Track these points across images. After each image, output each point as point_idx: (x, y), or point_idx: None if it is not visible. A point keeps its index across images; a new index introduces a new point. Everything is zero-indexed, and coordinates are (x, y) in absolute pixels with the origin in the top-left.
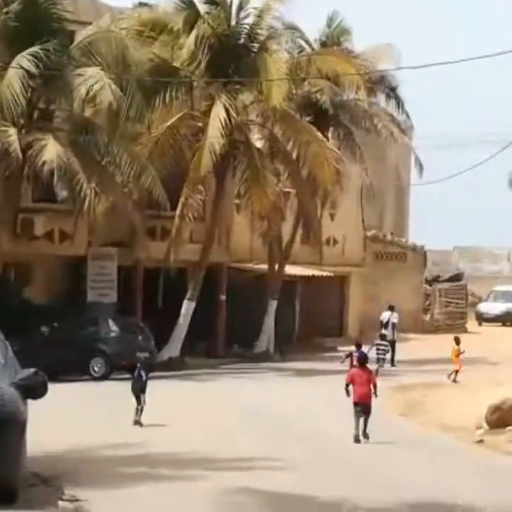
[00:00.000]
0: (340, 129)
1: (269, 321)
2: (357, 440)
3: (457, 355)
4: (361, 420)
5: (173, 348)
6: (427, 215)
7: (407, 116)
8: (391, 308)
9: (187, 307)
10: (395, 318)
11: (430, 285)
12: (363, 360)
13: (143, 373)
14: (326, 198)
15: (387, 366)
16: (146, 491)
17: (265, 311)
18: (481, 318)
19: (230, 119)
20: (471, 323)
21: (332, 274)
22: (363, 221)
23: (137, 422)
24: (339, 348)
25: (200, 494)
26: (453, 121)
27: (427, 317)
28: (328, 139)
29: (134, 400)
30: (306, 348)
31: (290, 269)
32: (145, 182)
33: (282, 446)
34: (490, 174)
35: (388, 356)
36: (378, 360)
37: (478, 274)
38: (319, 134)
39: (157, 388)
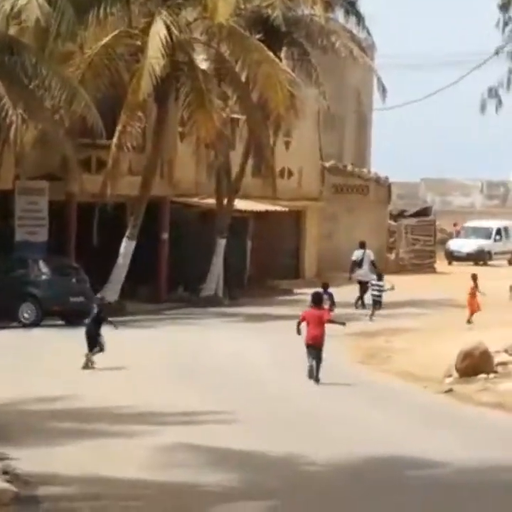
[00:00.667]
0: (294, 48)
1: (218, 262)
2: (311, 375)
3: (473, 295)
4: (314, 364)
5: (111, 292)
6: (391, 145)
7: (368, 33)
8: (362, 246)
9: (126, 246)
10: (371, 255)
11: (395, 221)
12: (318, 299)
13: (100, 315)
14: (279, 125)
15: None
16: (80, 449)
17: (213, 250)
18: (452, 257)
19: (171, 38)
20: (440, 263)
21: (287, 209)
22: (320, 150)
23: (87, 365)
24: (295, 290)
25: (137, 451)
26: (421, 40)
27: (392, 256)
28: (280, 60)
29: (86, 346)
30: (259, 291)
31: (240, 204)
32: (77, 108)
33: (228, 398)
34: (460, 99)
35: (382, 298)
36: (375, 303)
37: (448, 208)
38: (271, 54)
39: None
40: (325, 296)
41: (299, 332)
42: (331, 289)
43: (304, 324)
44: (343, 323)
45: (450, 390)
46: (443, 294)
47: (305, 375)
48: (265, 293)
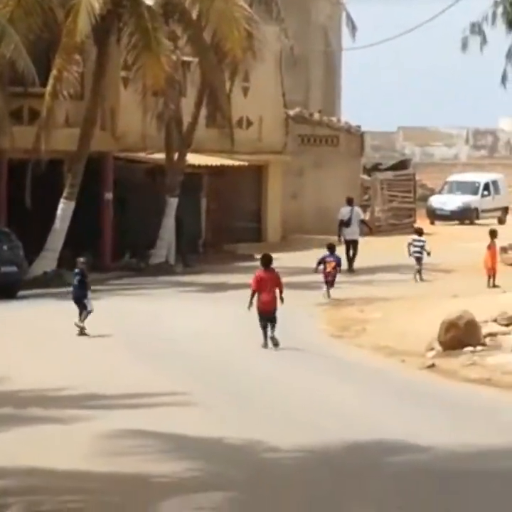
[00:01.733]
0: None
1: (169, 224)
2: (266, 345)
3: (493, 252)
4: (269, 329)
5: (48, 260)
6: (363, 89)
7: None
8: (350, 202)
9: (64, 208)
10: (360, 213)
11: (369, 175)
12: (267, 261)
13: (84, 279)
14: (236, 69)
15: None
16: (13, 436)
17: (163, 211)
18: (434, 216)
19: None
20: (422, 222)
21: (246, 164)
22: (283, 97)
23: (82, 332)
24: (257, 256)
25: (79, 439)
26: None
27: (366, 215)
28: None
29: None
30: (216, 257)
31: (193, 159)
32: (6, 51)
33: (184, 377)
34: (441, 36)
35: (424, 254)
36: (418, 260)
37: (429, 160)
38: None
39: (27, 310)
40: (330, 258)
41: (251, 304)
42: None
43: None
44: (282, 301)
45: (432, 365)
46: (425, 257)
47: (261, 346)
48: (223, 259)
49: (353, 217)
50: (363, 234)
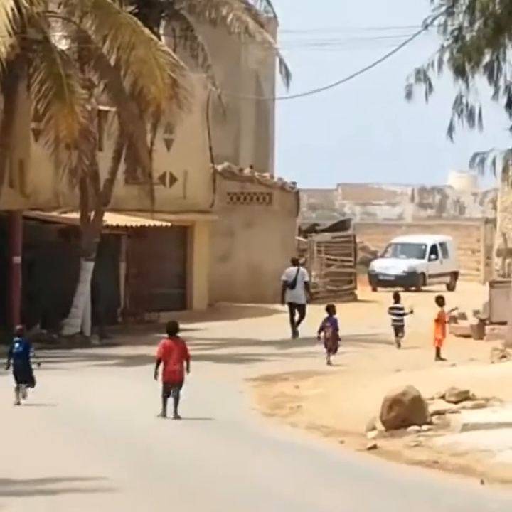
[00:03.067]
0: (175, 23)
1: (84, 291)
2: (164, 414)
3: (442, 322)
4: (172, 400)
5: None
6: (299, 143)
7: (269, 3)
8: (295, 263)
9: None
10: (305, 275)
11: (306, 237)
12: (173, 329)
13: (27, 348)
14: (158, 119)
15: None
16: None
17: (78, 276)
18: (376, 282)
19: (20, 10)
20: (363, 289)
21: (169, 224)
22: (210, 150)
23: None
24: (182, 325)
25: None
26: (334, 12)
27: None
28: (159, 38)
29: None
30: (137, 327)
31: (111, 219)
32: None
33: (102, 461)
34: (384, 85)
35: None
36: (396, 329)
37: (371, 220)
38: (147, 31)
39: None
40: (327, 324)
41: (157, 376)
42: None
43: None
44: (188, 371)
45: (374, 447)
46: (365, 328)
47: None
48: (144, 329)
49: (298, 278)
50: (307, 298)
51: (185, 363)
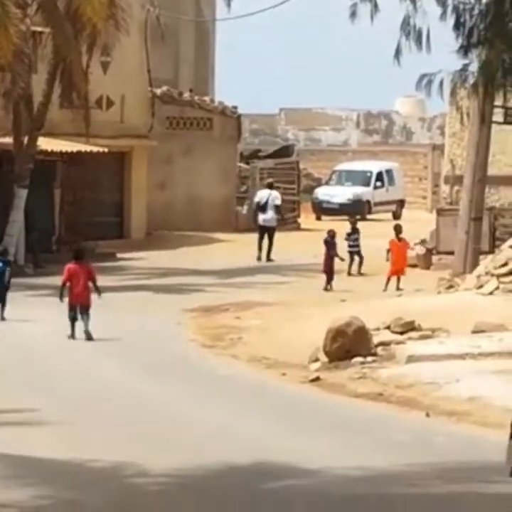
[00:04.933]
0: None
1: (17, 219)
2: (72, 337)
3: (400, 252)
4: (82, 321)
5: None
6: (240, 66)
7: None
8: (270, 186)
9: None
10: (276, 198)
11: (247, 163)
12: (80, 254)
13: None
14: (94, 41)
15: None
16: None
17: (11, 204)
18: (320, 210)
19: None
20: (306, 217)
21: (106, 150)
22: (148, 73)
23: None
24: (119, 255)
25: None
26: None
27: (244, 209)
28: None
29: None
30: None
31: (46, 144)
32: None
33: (32, 393)
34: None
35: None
36: (351, 255)
37: (315, 146)
38: None
39: None
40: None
41: (62, 297)
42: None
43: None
44: (99, 293)
45: (317, 379)
46: (308, 258)
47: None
48: None
49: (269, 202)
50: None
51: (92, 286)
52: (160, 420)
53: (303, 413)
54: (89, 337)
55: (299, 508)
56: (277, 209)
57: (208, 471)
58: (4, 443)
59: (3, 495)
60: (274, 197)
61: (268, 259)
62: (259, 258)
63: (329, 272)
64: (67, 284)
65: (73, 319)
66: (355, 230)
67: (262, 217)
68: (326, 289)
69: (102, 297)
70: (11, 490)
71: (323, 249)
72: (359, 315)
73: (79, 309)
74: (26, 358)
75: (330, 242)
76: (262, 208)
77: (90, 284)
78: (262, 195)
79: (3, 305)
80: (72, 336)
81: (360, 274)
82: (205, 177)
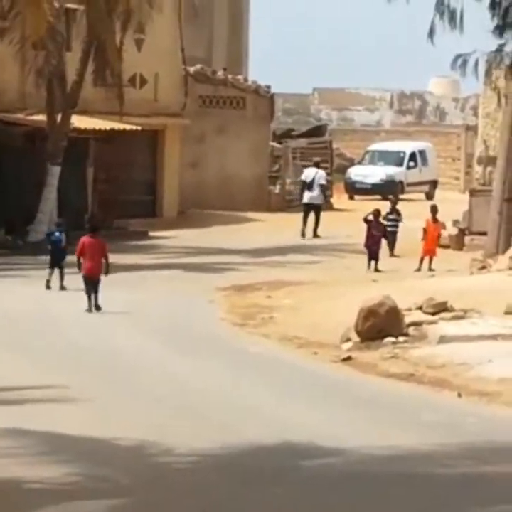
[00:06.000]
0: None
1: (50, 196)
2: (91, 309)
3: (434, 234)
4: (92, 297)
5: None
6: (274, 45)
7: None
8: (316, 165)
9: None
10: (322, 177)
11: (280, 143)
12: (94, 227)
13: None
14: (128, 18)
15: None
16: None
17: (44, 181)
18: (353, 190)
19: None
20: (339, 197)
21: (139, 128)
22: (182, 52)
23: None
24: (151, 233)
25: None
26: None
27: (276, 188)
28: None
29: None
30: (104, 234)
31: (79, 122)
32: None
33: (62, 370)
34: None
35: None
36: (391, 234)
37: (348, 126)
38: None
39: None
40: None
41: (79, 267)
42: None
43: None
44: (107, 271)
45: (348, 358)
46: (340, 238)
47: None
48: (112, 236)
49: (315, 180)
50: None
51: (103, 262)
52: (189, 398)
53: (333, 392)
54: (98, 309)
55: (328, 486)
56: (322, 188)
57: (235, 450)
58: (35, 420)
59: (36, 472)
60: (321, 176)
61: (315, 235)
62: (303, 234)
63: (375, 252)
64: (81, 258)
65: (89, 292)
66: (393, 211)
67: (308, 195)
68: (376, 270)
69: (118, 276)
70: (43, 467)
71: (357, 228)
72: (391, 295)
73: (91, 283)
74: (53, 332)
75: (372, 222)
76: (309, 186)
77: (103, 261)
78: (308, 173)
79: (62, 273)
80: (89, 309)
81: (392, 255)
82: (238, 156)
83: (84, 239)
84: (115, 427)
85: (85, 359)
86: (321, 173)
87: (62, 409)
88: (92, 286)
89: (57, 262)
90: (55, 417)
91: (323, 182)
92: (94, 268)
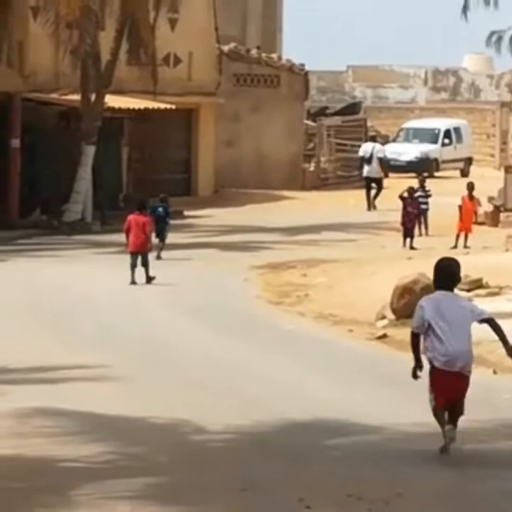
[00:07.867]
0: None
1: (85, 176)
2: (133, 283)
3: (470, 211)
4: (143, 270)
5: None
6: (308, 23)
7: None
8: (373, 139)
9: None
10: (380, 151)
11: (314, 121)
12: (141, 204)
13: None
14: None
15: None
16: None
17: (79, 161)
18: (388, 167)
19: None
20: None
21: (173, 107)
22: (216, 30)
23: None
24: (186, 212)
25: None
26: None
27: (311, 166)
28: None
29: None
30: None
31: (113, 101)
32: None
33: (99, 350)
34: None
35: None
36: (422, 212)
37: (382, 104)
38: None
39: None
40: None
41: (127, 245)
42: None
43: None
44: (150, 246)
45: (384, 336)
46: (375, 215)
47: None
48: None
49: (374, 153)
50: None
51: (146, 237)
52: (224, 375)
53: (368, 370)
54: (148, 280)
55: (365, 463)
56: (380, 161)
57: (269, 427)
58: (74, 399)
59: (74, 451)
60: (379, 149)
61: (371, 207)
62: (369, 208)
63: (410, 229)
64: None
65: (133, 266)
66: (422, 188)
67: (367, 169)
68: (411, 247)
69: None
70: (78, 446)
71: (392, 206)
72: (426, 272)
73: (139, 257)
74: (93, 311)
75: (407, 199)
76: (368, 160)
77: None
78: (365, 148)
79: (163, 242)
80: (133, 281)
81: (426, 234)
82: (272, 134)
83: (131, 216)
84: (150, 406)
85: (121, 337)
86: (378, 146)
87: (97, 388)
88: (140, 260)
89: (159, 234)
90: (94, 396)
91: (381, 155)
92: (137, 243)
